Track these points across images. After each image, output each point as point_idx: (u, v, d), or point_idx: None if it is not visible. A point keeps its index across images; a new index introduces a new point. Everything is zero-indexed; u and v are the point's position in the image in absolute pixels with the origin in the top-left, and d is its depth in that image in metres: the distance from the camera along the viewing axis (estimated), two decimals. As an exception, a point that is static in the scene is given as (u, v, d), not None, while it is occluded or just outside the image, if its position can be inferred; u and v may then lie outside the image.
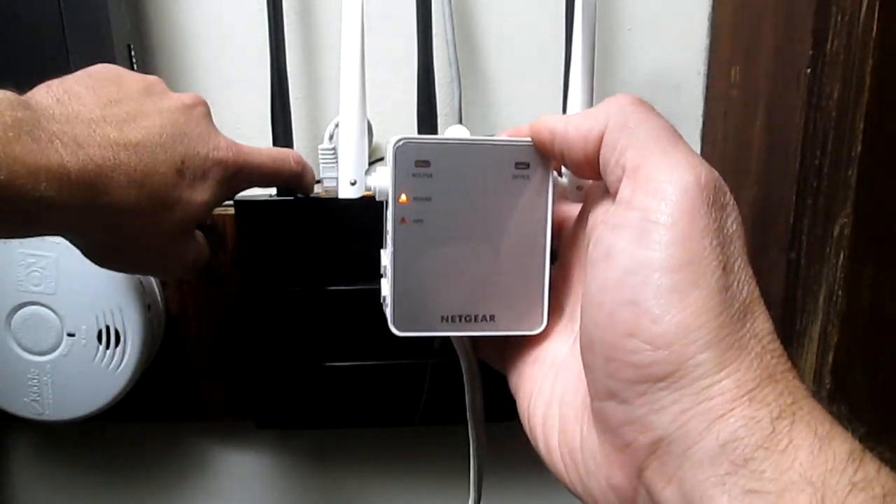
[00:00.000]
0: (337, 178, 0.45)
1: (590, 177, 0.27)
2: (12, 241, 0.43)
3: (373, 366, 0.46)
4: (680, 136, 0.24)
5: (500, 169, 0.28)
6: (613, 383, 0.22)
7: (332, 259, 0.44)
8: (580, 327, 0.24)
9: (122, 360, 0.45)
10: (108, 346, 0.44)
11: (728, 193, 0.23)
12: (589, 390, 0.24)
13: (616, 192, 0.24)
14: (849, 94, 0.37)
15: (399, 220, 0.28)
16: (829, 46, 0.37)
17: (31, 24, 0.41)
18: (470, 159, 0.28)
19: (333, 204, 0.44)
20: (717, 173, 0.23)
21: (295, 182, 0.41)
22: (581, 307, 0.24)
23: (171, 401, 0.52)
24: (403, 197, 0.28)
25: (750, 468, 0.20)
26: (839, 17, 0.36)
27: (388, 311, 0.29)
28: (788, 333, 0.40)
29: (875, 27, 0.35)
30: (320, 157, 0.44)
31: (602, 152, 0.25)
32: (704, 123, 0.51)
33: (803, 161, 0.38)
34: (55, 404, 0.45)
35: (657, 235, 0.22)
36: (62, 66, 0.41)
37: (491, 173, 0.28)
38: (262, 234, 0.44)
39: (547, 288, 0.29)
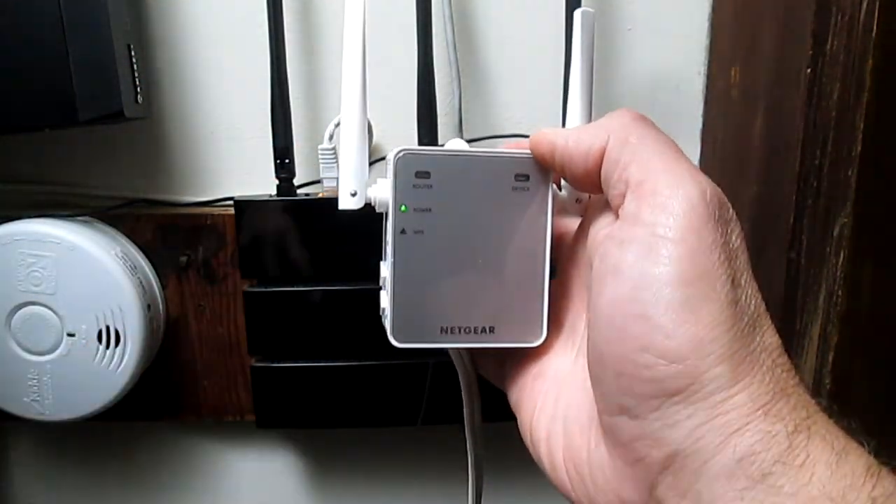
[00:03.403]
0: (337, 179, 0.45)
1: (590, 190, 0.27)
2: (13, 241, 0.43)
3: (372, 366, 0.46)
4: (681, 151, 0.24)
5: (500, 181, 0.28)
6: (625, 398, 0.22)
7: (332, 259, 0.44)
8: (588, 342, 0.24)
9: (122, 360, 0.45)
10: (108, 346, 0.44)
11: (731, 208, 0.23)
12: (598, 405, 0.24)
13: (618, 207, 0.24)
14: (849, 94, 0.37)
15: (399, 231, 0.28)
16: (829, 46, 0.37)
17: (31, 24, 0.41)
18: (470, 171, 0.28)
19: (333, 204, 0.44)
20: (719, 189, 0.23)
21: None
22: (589, 322, 0.24)
23: (171, 401, 0.52)
24: (403, 208, 0.28)
25: (768, 483, 0.19)
26: (839, 17, 0.36)
27: (388, 323, 0.29)
28: (788, 334, 0.40)
29: (875, 27, 0.35)
30: (320, 157, 0.44)
31: (604, 167, 0.25)
32: (704, 123, 0.51)
33: (803, 161, 0.38)
34: (55, 404, 0.45)
35: (665, 251, 0.22)
36: (62, 65, 0.41)
37: (491, 185, 0.28)
38: (262, 234, 0.44)
39: (546, 299, 0.29)
